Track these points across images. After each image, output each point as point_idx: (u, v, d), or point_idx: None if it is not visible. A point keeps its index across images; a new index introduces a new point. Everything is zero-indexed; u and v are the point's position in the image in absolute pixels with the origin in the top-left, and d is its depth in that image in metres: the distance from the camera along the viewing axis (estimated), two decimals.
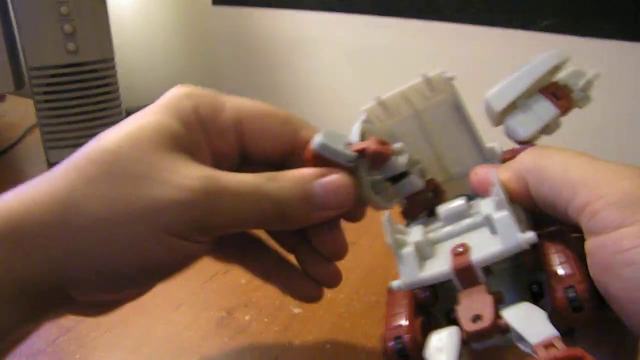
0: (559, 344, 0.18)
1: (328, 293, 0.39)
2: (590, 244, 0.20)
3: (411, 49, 0.64)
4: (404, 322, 0.22)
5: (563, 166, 0.22)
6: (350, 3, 0.66)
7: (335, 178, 0.25)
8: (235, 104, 0.27)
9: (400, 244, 0.24)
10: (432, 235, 0.25)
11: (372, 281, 0.40)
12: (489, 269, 0.22)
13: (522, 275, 0.23)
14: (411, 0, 0.62)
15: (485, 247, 0.22)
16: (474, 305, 0.21)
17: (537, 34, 0.55)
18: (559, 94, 0.25)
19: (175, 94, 0.26)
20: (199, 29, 0.83)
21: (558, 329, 0.19)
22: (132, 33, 0.91)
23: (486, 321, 0.20)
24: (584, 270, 0.20)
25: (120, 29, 0.85)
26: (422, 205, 0.27)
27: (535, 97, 0.26)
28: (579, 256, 0.21)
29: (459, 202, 0.25)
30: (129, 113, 0.74)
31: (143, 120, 0.24)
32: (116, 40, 0.66)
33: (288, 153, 0.28)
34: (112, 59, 0.65)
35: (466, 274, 0.22)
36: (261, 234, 0.30)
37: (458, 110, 0.27)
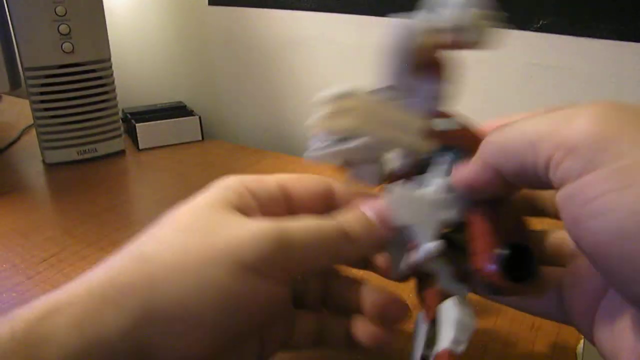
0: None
1: None
2: (558, 199, 0.18)
3: None
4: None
5: (519, 131, 0.20)
6: (346, 3, 0.66)
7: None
8: (275, 175, 0.29)
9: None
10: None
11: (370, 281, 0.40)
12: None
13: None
14: (408, 0, 0.62)
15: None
16: None
17: (534, 34, 0.55)
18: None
19: (220, 179, 0.28)
20: (195, 29, 0.83)
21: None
22: (128, 33, 0.90)
23: None
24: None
25: (116, 29, 0.85)
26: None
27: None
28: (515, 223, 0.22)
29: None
30: (125, 113, 0.74)
31: (198, 198, 0.26)
32: (112, 41, 0.66)
33: (327, 208, 0.28)
34: (109, 59, 0.65)
35: None
36: None
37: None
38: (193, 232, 0.24)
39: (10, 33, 0.61)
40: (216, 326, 0.23)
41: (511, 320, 0.35)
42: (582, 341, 0.32)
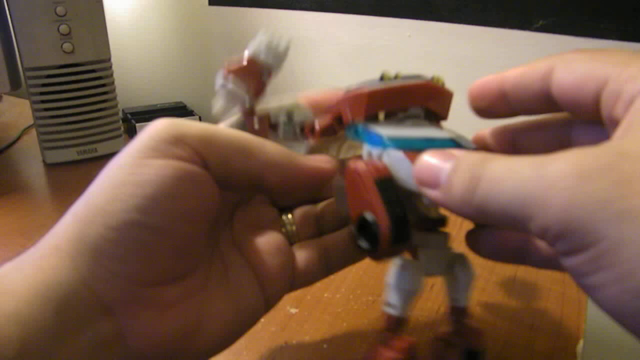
0: None
1: (325, 293, 0.39)
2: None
3: (407, 48, 0.64)
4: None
5: (589, 55, 0.20)
6: (346, 3, 0.66)
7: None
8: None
9: None
10: None
11: (368, 281, 0.40)
12: None
13: None
14: (407, 0, 0.62)
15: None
16: None
17: (533, 34, 0.55)
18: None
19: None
20: (195, 29, 0.83)
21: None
22: (129, 33, 0.90)
23: None
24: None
25: (116, 30, 0.85)
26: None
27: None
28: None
29: None
30: (125, 113, 0.74)
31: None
32: (112, 41, 0.66)
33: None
34: (109, 60, 0.65)
35: None
36: None
37: None
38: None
39: (10, 33, 0.61)
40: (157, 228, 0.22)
41: (511, 321, 0.35)
42: (581, 341, 0.32)
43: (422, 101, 0.25)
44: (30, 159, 0.67)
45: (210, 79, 0.94)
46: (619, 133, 0.18)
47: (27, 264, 0.22)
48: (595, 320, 0.35)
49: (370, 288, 0.39)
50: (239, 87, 0.28)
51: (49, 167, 0.64)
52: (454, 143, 0.23)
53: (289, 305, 0.37)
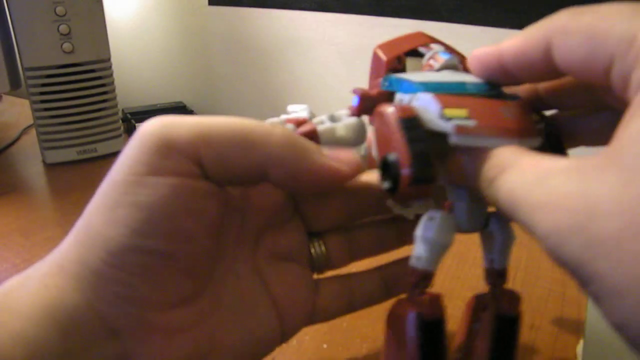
0: None
1: None
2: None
3: None
4: None
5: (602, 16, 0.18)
6: (345, 3, 0.66)
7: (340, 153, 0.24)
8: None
9: None
10: None
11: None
12: None
13: None
14: (407, 0, 0.62)
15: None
16: None
17: None
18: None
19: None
20: (195, 29, 0.83)
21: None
22: (128, 33, 0.90)
23: None
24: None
25: (116, 29, 0.85)
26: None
27: None
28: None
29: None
30: (125, 113, 0.74)
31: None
32: (112, 41, 0.66)
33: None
34: (109, 59, 0.65)
35: None
36: None
37: None
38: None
39: (10, 33, 0.61)
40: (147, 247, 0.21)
41: None
42: (581, 341, 0.32)
43: (427, 40, 0.26)
44: (30, 158, 0.67)
45: (210, 79, 0.94)
46: (606, 156, 0.16)
47: (32, 280, 0.21)
48: (595, 320, 0.35)
49: None
50: None
51: (49, 167, 0.64)
52: (487, 86, 0.22)
53: None
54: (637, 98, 0.16)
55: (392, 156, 0.21)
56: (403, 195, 0.21)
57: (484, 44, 0.21)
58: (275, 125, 0.23)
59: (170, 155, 0.21)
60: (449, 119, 0.20)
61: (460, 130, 0.20)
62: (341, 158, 0.24)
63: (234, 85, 0.81)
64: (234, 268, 0.25)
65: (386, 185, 0.22)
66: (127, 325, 0.21)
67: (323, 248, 0.28)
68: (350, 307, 0.28)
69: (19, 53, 0.61)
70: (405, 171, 0.20)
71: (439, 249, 0.22)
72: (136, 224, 0.21)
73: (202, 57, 0.84)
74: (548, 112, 0.24)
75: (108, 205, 0.21)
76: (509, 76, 0.22)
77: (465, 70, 0.25)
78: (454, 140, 0.20)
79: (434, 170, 0.20)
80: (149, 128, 0.22)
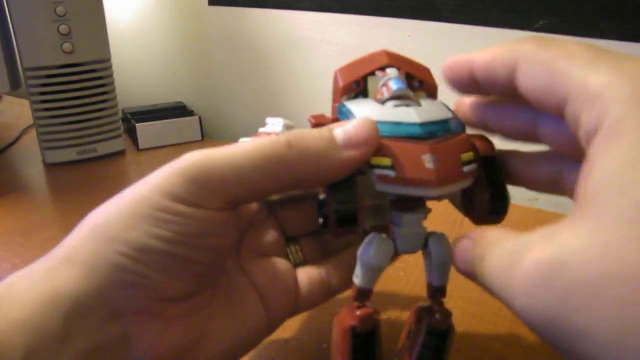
0: None
1: None
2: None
3: (407, 48, 0.64)
4: None
5: (567, 52, 0.19)
6: (345, 3, 0.66)
7: (353, 121, 0.24)
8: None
9: None
10: None
11: None
12: None
13: None
14: (407, 0, 0.62)
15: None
16: None
17: (533, 34, 0.55)
18: None
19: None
20: (195, 29, 0.83)
21: None
22: (128, 33, 0.90)
23: None
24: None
25: (116, 29, 0.85)
26: None
27: None
28: None
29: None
30: (125, 113, 0.74)
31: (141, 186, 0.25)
32: (112, 41, 0.66)
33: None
34: (108, 60, 0.65)
35: None
36: None
37: None
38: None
39: (10, 33, 0.61)
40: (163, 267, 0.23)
41: (511, 321, 0.35)
42: None
43: (388, 61, 0.27)
44: (30, 159, 0.67)
45: (210, 79, 0.94)
46: (573, 218, 0.16)
47: (37, 273, 0.22)
48: None
49: None
50: None
51: (49, 167, 0.64)
52: (429, 121, 0.23)
53: None
54: (590, 152, 0.17)
55: (324, 196, 0.24)
56: (332, 233, 0.23)
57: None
58: (279, 139, 0.23)
59: (205, 195, 0.23)
60: (373, 167, 0.22)
61: (381, 179, 0.22)
62: (352, 141, 0.23)
63: (234, 85, 0.81)
64: (224, 266, 0.27)
65: (320, 221, 0.24)
66: (131, 310, 0.22)
67: (300, 254, 0.30)
68: (330, 292, 0.29)
69: (19, 53, 0.61)
70: (331, 216, 0.23)
71: (372, 271, 0.25)
72: (163, 233, 0.22)
73: (202, 57, 0.84)
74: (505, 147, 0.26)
75: (136, 213, 0.22)
76: (477, 87, 0.23)
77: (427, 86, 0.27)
78: (377, 187, 0.23)
79: (359, 215, 0.23)
80: (191, 158, 0.23)
